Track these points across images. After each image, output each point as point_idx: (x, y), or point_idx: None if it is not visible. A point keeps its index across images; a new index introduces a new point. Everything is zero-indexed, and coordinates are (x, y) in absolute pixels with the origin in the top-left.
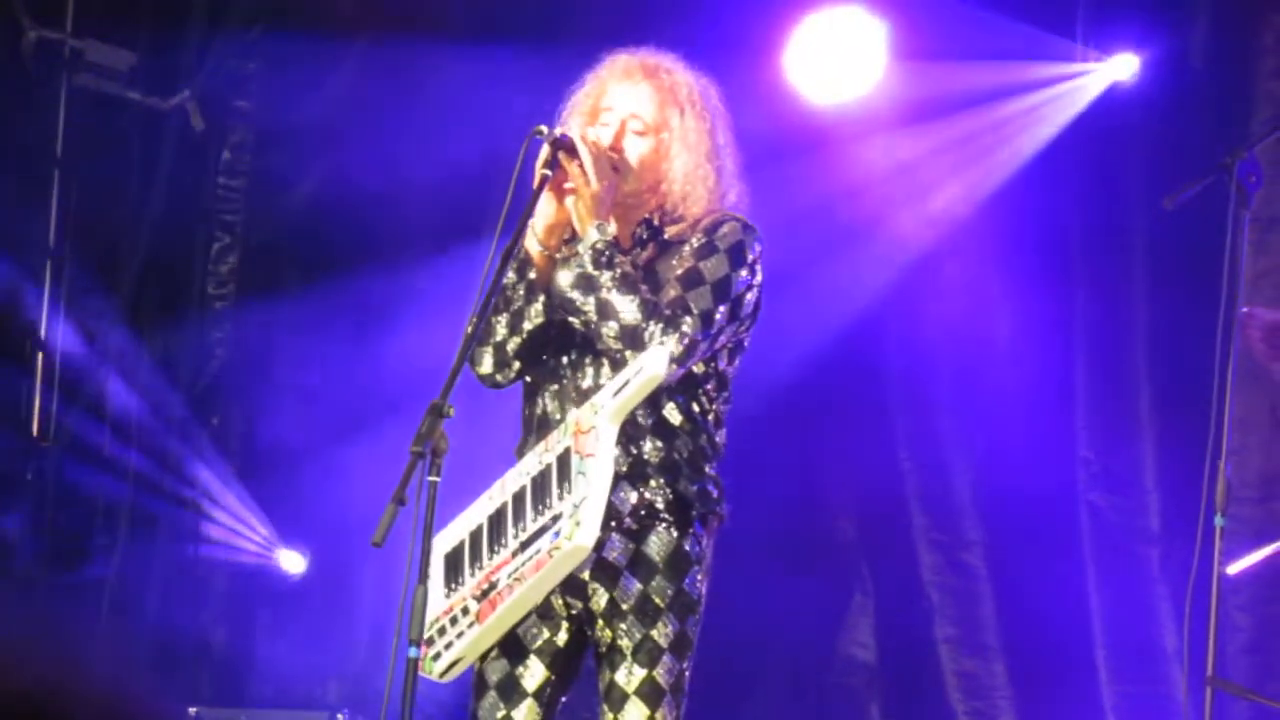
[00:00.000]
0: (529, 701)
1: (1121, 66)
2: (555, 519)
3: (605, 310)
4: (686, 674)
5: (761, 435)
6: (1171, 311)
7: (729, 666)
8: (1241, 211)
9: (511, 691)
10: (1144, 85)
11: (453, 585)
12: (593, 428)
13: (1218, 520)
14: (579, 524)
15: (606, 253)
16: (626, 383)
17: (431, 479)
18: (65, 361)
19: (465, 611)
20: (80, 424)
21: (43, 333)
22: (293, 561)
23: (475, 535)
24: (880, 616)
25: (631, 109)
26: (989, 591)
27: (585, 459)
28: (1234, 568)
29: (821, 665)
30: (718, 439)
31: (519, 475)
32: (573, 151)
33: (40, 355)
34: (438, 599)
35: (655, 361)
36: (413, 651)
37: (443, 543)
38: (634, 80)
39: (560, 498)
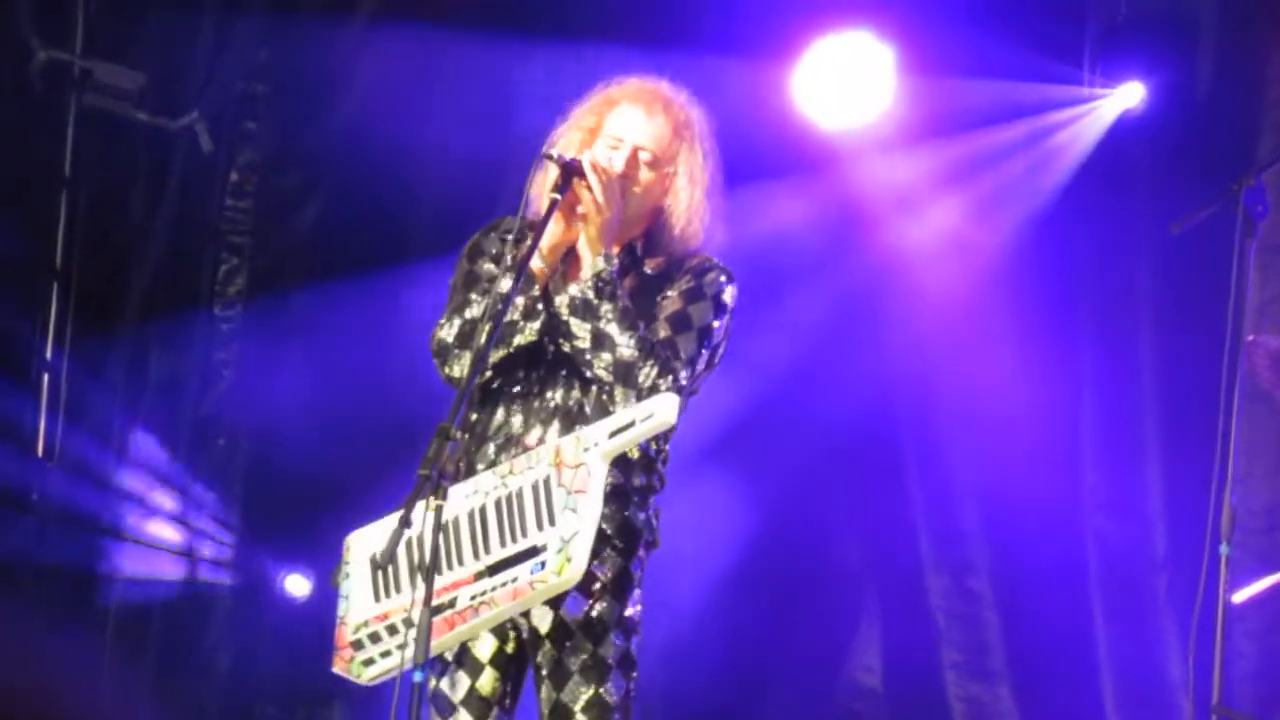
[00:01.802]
0: (494, 712)
1: (1128, 95)
2: (535, 550)
3: (601, 341)
4: (632, 693)
5: (767, 463)
6: (1177, 338)
7: (736, 691)
8: (1248, 239)
9: (477, 705)
10: (1150, 113)
11: (386, 592)
12: (582, 464)
13: (1223, 549)
14: (569, 560)
15: (610, 283)
16: (631, 424)
17: (438, 502)
18: (71, 382)
19: (408, 623)
20: (85, 445)
21: (48, 353)
22: (297, 584)
23: (415, 546)
24: (886, 642)
25: (643, 140)
26: (995, 618)
27: (574, 495)
28: (1240, 596)
29: (827, 691)
30: (664, 472)
31: (473, 492)
32: (583, 175)
33: (45, 375)
34: (365, 602)
35: (667, 409)
36: (418, 675)
37: (366, 542)
38: (650, 110)
39: (540, 528)
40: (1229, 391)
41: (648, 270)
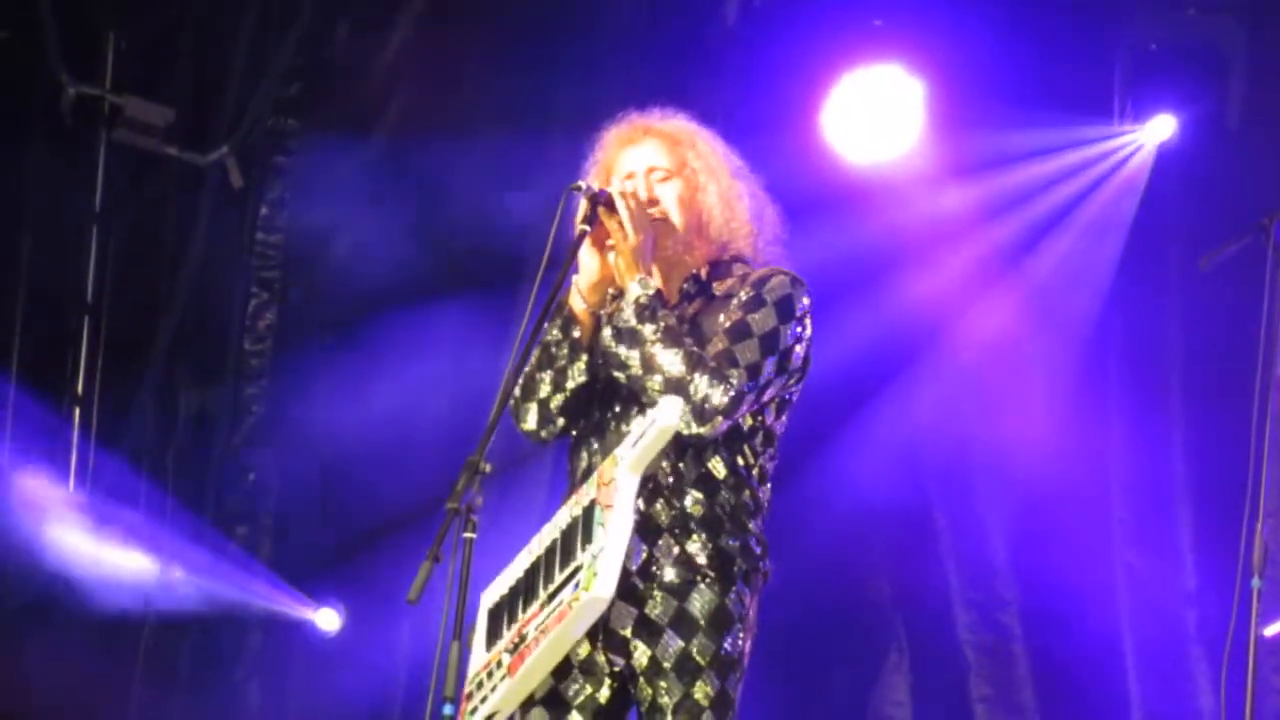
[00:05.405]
0: None
1: (1159, 128)
2: (576, 570)
3: (650, 364)
4: None
5: (797, 492)
6: (1207, 373)
7: None
8: (1279, 273)
9: None
10: (1181, 146)
11: (494, 640)
12: (613, 479)
13: (1255, 582)
14: (596, 574)
15: (650, 306)
16: (643, 434)
17: (467, 535)
18: (101, 417)
19: (499, 665)
20: (116, 479)
21: (79, 387)
22: (328, 619)
23: (515, 590)
24: (915, 675)
25: (647, 164)
26: (1024, 651)
27: (604, 510)
28: (1271, 630)
29: None
30: (761, 494)
31: (552, 529)
32: (611, 206)
33: (76, 410)
34: (480, 652)
35: (667, 414)
36: (447, 709)
37: (489, 598)
38: (636, 141)
39: (581, 549)
40: (1259, 425)
41: (716, 292)
